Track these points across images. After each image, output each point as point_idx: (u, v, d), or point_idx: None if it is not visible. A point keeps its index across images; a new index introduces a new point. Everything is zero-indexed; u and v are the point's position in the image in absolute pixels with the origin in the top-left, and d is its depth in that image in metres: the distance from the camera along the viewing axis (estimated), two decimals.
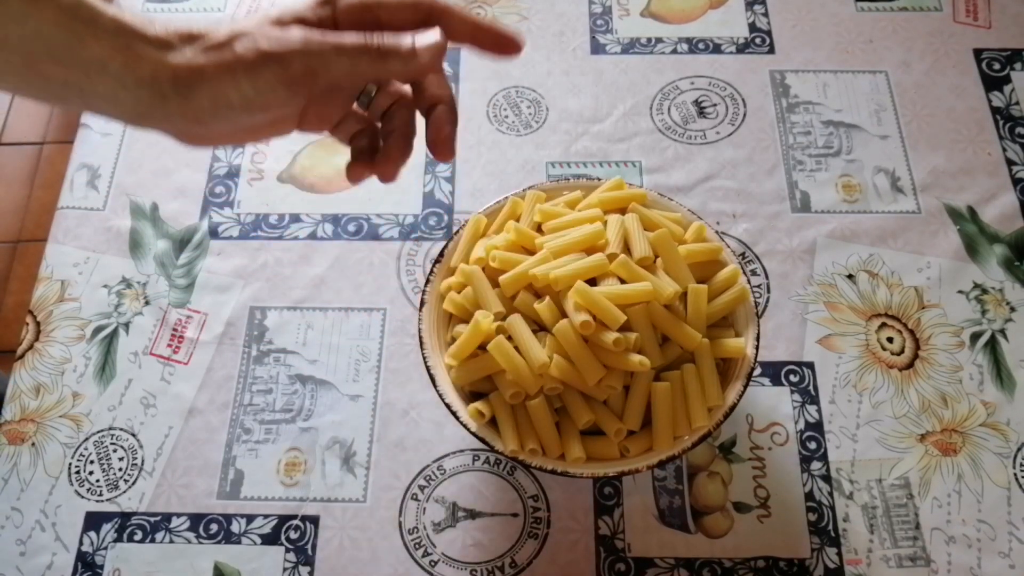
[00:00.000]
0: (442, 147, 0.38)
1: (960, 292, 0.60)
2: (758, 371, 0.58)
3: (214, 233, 0.64)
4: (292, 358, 0.59)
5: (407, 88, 0.40)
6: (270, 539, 0.53)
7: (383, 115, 0.40)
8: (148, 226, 0.64)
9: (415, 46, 0.34)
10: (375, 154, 0.39)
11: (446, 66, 0.71)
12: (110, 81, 0.33)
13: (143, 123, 0.34)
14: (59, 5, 0.31)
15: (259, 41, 0.34)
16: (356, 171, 0.39)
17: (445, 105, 0.38)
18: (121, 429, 0.57)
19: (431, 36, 0.35)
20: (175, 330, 0.60)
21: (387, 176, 0.39)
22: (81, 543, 0.53)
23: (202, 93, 0.33)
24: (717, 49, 0.72)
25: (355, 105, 0.40)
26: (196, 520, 0.54)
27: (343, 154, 0.40)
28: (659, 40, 0.72)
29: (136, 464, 0.55)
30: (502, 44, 0.37)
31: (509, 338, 0.45)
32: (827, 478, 0.54)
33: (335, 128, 0.40)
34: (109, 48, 0.32)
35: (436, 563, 0.52)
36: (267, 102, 0.34)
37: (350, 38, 0.34)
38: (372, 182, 0.39)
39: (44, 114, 1.56)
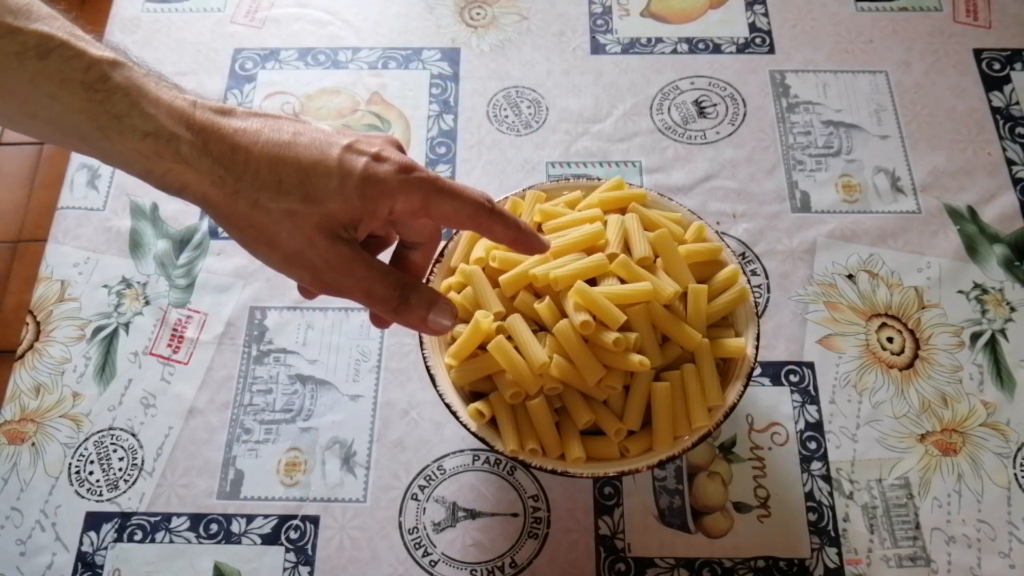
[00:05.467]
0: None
1: (960, 292, 0.60)
2: (758, 371, 0.58)
3: (214, 233, 0.64)
4: (292, 358, 0.59)
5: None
6: (270, 539, 0.53)
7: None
8: (148, 226, 0.64)
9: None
10: None
11: (445, 65, 0.71)
12: (135, 174, 0.33)
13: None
14: (89, 94, 0.31)
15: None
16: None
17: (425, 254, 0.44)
18: (121, 429, 0.57)
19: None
20: (175, 330, 0.60)
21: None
22: (81, 543, 0.53)
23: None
24: (717, 49, 0.72)
25: None
26: (196, 520, 0.54)
27: None
28: (659, 40, 0.72)
29: (136, 464, 0.55)
30: (532, 247, 0.42)
31: (509, 338, 0.45)
32: (827, 478, 0.54)
33: None
34: (133, 151, 0.32)
35: (436, 563, 0.52)
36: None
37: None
38: None
39: None
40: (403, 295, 0.37)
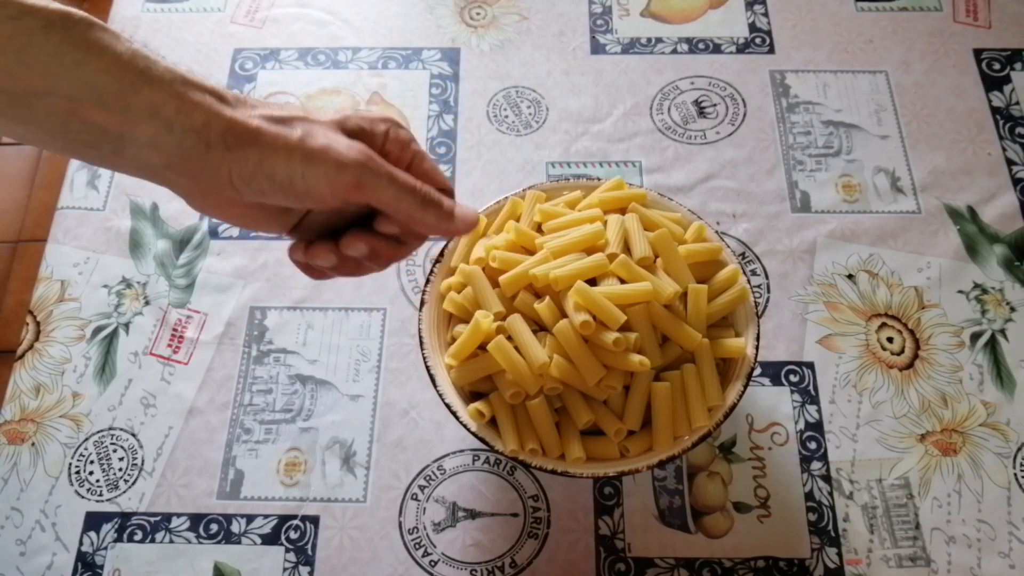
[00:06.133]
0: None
1: (960, 292, 0.60)
2: (758, 371, 0.58)
3: (214, 233, 0.64)
4: (292, 358, 0.59)
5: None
6: (270, 539, 0.53)
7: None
8: (148, 226, 0.64)
9: (455, 211, 0.38)
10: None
11: (445, 65, 0.71)
12: (157, 126, 0.33)
13: (169, 174, 0.34)
14: (115, 55, 0.32)
15: (326, 137, 0.35)
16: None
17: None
18: (121, 429, 0.57)
19: (471, 211, 0.39)
20: (175, 330, 0.60)
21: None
22: (81, 543, 0.53)
23: (251, 154, 0.34)
24: (717, 49, 0.72)
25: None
26: (196, 520, 0.54)
27: None
28: (659, 40, 0.72)
29: (136, 464, 0.55)
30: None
31: (509, 338, 0.45)
32: (827, 478, 0.54)
33: (294, 229, 0.42)
34: (163, 95, 0.33)
35: (436, 563, 0.52)
36: (307, 192, 0.35)
37: (404, 176, 0.37)
38: None
39: None
40: (422, 184, 0.37)
